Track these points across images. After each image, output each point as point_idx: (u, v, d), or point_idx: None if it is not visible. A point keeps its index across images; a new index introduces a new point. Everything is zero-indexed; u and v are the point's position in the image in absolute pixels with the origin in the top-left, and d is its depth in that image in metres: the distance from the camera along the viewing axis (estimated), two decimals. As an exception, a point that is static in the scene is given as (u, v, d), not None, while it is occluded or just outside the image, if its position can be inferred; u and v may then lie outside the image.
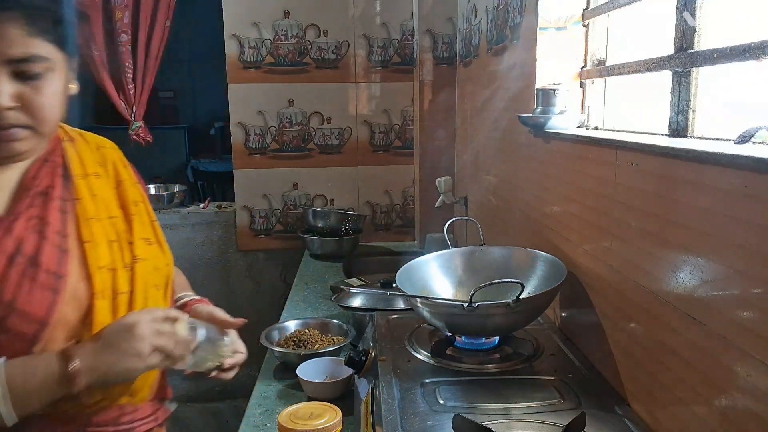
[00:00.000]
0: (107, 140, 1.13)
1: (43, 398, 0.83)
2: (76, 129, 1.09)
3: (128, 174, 1.10)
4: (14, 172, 0.95)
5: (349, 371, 1.36)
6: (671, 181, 0.91)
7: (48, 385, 0.82)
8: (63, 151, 1.01)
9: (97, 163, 1.06)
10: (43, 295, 0.86)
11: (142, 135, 3.07)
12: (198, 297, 1.17)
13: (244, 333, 1.10)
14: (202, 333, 0.96)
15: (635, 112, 1.35)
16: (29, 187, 0.94)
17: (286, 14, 2.89)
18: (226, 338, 1.04)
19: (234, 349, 1.04)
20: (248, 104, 2.95)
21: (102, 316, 0.92)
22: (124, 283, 0.97)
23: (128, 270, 0.98)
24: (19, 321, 0.84)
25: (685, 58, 1.03)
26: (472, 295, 1.13)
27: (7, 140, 0.87)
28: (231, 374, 1.05)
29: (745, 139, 0.79)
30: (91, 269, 0.93)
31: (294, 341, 1.68)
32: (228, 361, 1.02)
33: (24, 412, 0.81)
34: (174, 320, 0.90)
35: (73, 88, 0.97)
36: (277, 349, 1.61)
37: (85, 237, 0.95)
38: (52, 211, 0.94)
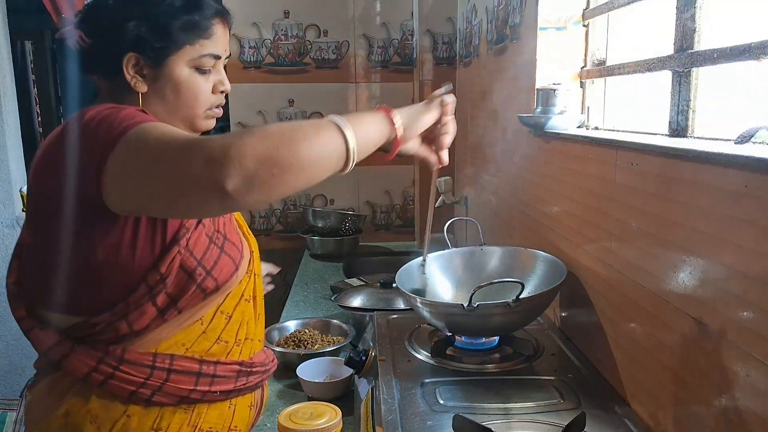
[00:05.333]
0: None
1: (372, 144, 0.90)
2: None
3: None
4: None
5: (349, 371, 1.36)
6: (671, 181, 0.91)
7: (378, 128, 0.91)
8: None
9: None
10: (229, 267, 1.00)
11: (142, 135, 3.07)
12: None
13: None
14: None
15: (635, 112, 1.35)
16: None
17: (286, 14, 2.89)
18: None
19: None
20: (248, 104, 2.95)
21: (250, 290, 1.08)
22: (258, 266, 1.14)
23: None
24: (209, 282, 0.97)
25: (685, 58, 1.03)
26: (472, 295, 1.13)
27: None
28: None
29: (745, 139, 0.79)
30: (254, 255, 1.10)
31: (294, 341, 1.68)
32: None
33: (360, 157, 0.86)
34: None
35: None
36: (277, 349, 1.61)
37: (245, 230, 1.13)
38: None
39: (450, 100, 1.02)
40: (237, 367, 1.04)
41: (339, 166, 0.82)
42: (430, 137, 1.04)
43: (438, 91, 1.03)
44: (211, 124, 1.07)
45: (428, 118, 1.00)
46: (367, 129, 0.87)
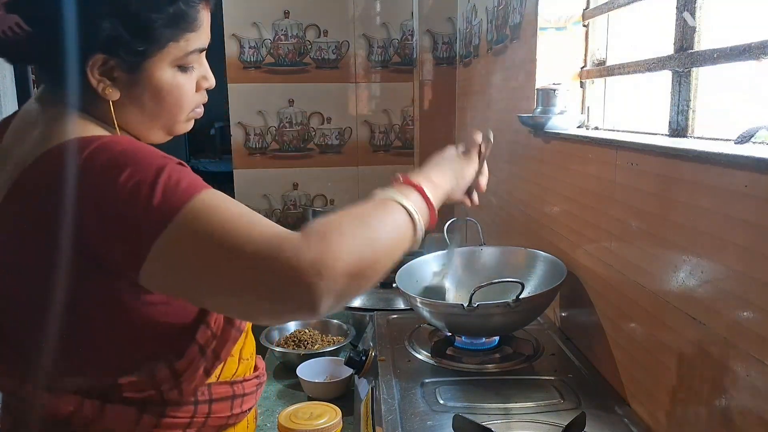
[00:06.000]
0: None
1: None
2: None
3: None
4: None
5: (349, 371, 1.36)
6: (671, 181, 0.91)
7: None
8: None
9: None
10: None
11: (142, 135, 3.07)
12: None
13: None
14: None
15: (635, 112, 1.35)
16: None
17: (286, 14, 2.89)
18: None
19: None
20: (248, 104, 2.95)
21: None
22: None
23: None
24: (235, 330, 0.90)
25: (685, 58, 1.03)
26: (472, 295, 1.13)
27: None
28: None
29: (745, 139, 0.79)
30: None
31: (294, 341, 1.68)
32: None
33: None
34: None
35: None
36: (277, 349, 1.61)
37: None
38: None
39: (486, 146, 1.03)
40: (256, 380, 0.99)
41: (407, 249, 0.80)
42: None
43: (476, 139, 1.03)
44: (190, 125, 0.91)
45: (472, 172, 1.00)
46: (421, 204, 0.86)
